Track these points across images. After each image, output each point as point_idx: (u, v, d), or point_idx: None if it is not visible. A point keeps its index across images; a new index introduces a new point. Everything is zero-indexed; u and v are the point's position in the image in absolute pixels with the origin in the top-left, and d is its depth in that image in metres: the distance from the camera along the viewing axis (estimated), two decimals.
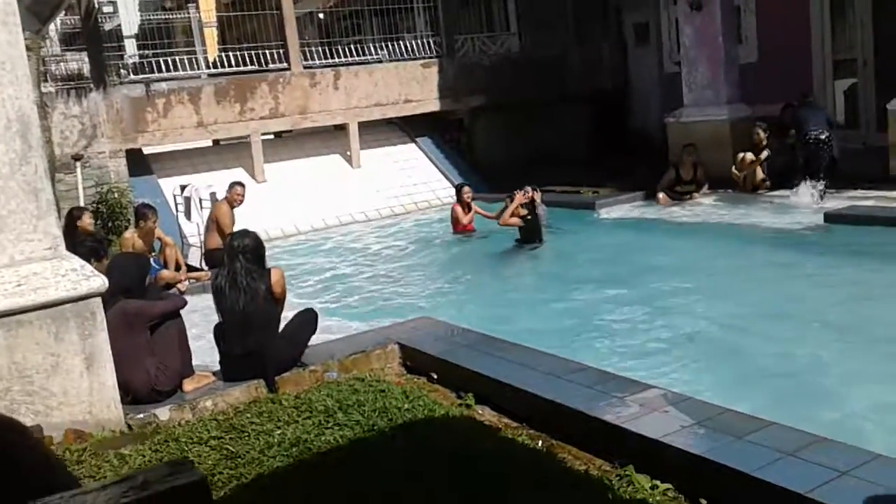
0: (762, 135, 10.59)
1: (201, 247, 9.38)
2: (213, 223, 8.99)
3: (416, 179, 13.72)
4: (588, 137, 15.24)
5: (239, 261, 4.92)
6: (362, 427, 3.93)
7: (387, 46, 14.50)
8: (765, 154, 10.58)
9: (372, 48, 14.41)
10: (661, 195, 10.79)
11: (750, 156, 10.66)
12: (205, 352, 5.37)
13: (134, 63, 13.15)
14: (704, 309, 6.35)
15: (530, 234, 9.26)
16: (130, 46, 15.53)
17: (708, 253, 8.31)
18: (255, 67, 13.04)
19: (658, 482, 3.24)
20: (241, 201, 9.18)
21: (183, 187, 10.34)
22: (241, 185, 9.31)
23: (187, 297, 5.50)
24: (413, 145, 14.53)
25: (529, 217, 9.27)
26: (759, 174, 10.60)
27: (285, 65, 13.16)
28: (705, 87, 11.76)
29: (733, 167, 10.75)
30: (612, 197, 11.34)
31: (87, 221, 7.93)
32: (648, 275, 7.53)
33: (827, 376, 4.80)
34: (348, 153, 13.72)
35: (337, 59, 13.81)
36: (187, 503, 1.45)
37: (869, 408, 4.25)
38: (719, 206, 10.15)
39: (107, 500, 1.42)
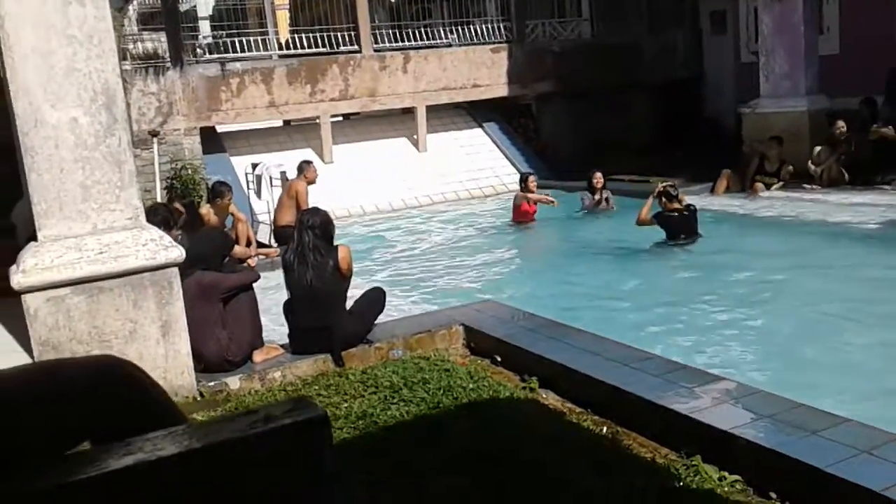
0: (841, 129, 10.29)
1: (271, 224, 9.58)
2: (291, 200, 9.19)
3: (481, 165, 13.70)
4: (659, 126, 14.98)
5: (308, 236, 5.01)
6: (427, 404, 3.96)
7: (456, 30, 14.47)
8: (844, 148, 10.27)
9: (442, 32, 14.40)
10: (725, 172, 10.69)
11: (828, 149, 10.34)
12: (270, 328, 5.48)
13: (208, 43, 13.42)
14: (781, 305, 6.20)
15: (680, 228, 8.16)
16: (205, 27, 15.83)
17: (787, 247, 8.10)
18: (326, 50, 13.18)
19: (726, 473, 3.19)
20: (316, 178, 9.54)
21: (254, 165, 10.55)
22: (312, 162, 9.65)
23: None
24: (480, 130, 14.51)
25: (674, 212, 8.16)
26: (837, 169, 10.28)
27: (356, 47, 13.26)
28: (784, 78, 11.41)
29: (810, 161, 10.45)
30: (683, 187, 11.11)
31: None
32: (718, 267, 7.38)
33: None
34: (415, 137, 13.78)
35: (407, 43, 13.85)
36: (309, 436, 1.50)
37: None
38: (798, 201, 9.85)
39: (233, 431, 1.49)
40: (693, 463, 3.28)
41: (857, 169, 10.25)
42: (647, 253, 8.19)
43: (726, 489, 3.10)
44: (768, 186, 10.48)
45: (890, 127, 10.10)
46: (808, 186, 10.28)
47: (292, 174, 9.69)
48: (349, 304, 5.21)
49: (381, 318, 5.36)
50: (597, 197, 10.41)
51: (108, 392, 1.78)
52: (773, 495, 3.05)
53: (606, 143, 14.10)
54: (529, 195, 10.16)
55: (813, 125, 10.94)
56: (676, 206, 8.21)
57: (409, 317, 5.80)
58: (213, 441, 1.46)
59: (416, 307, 6.54)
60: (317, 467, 1.52)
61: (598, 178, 10.40)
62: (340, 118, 14.41)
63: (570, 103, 14.54)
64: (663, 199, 8.23)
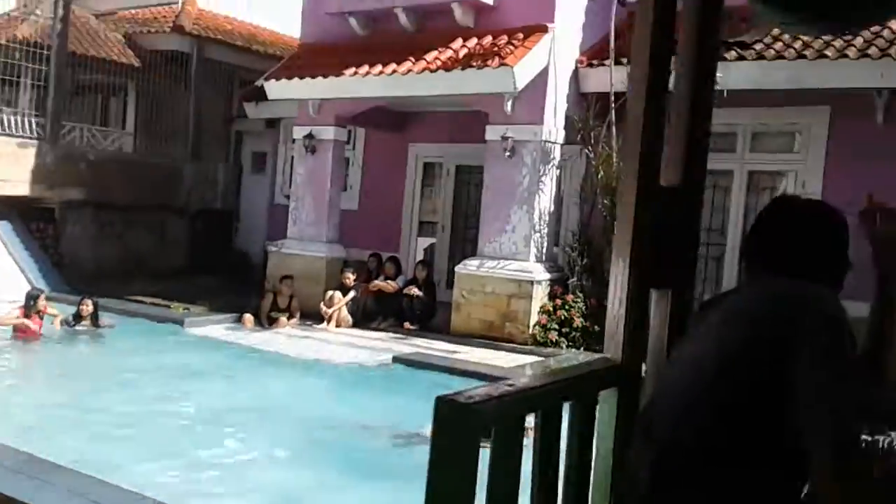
0: (350, 278, 11.50)
1: None
2: None
3: None
4: (191, 252, 15.12)
5: None
6: None
7: None
8: (351, 294, 11.45)
9: None
10: (246, 317, 11.08)
11: (338, 294, 11.42)
12: None
13: None
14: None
15: None
16: None
17: (263, 378, 8.63)
18: None
19: None
20: None
21: None
22: None
23: None
24: None
25: None
26: (345, 312, 11.38)
27: None
28: (309, 224, 12.48)
29: (322, 303, 11.39)
30: (204, 316, 11.23)
31: None
32: (182, 389, 7.81)
33: None
34: None
35: None
36: None
37: None
38: (302, 338, 10.57)
39: None
40: None
41: (361, 314, 11.49)
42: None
43: None
44: (279, 321, 11.08)
45: (388, 281, 11.60)
46: (319, 326, 11.16)
47: None
48: None
49: None
50: (84, 322, 9.94)
51: None
52: None
53: (137, 261, 13.74)
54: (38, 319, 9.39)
55: (329, 271, 12.05)
56: None
57: None
58: None
59: None
60: None
61: (86, 304, 9.98)
62: None
63: (100, 216, 13.93)
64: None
